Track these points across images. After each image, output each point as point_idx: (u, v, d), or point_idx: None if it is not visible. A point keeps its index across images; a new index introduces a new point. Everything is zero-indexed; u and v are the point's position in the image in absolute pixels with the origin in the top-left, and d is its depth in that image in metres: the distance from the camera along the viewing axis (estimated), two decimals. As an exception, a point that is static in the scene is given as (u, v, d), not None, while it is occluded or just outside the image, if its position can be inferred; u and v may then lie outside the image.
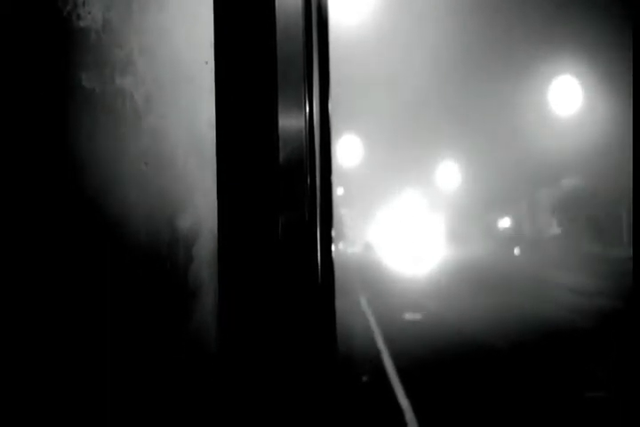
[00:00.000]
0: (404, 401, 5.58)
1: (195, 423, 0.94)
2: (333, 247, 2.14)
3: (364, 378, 6.50)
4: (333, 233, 2.06)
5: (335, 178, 2.42)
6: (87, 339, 0.68)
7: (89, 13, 0.75)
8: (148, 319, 0.81)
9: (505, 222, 51.68)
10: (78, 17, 0.73)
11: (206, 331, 1.00)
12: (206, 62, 0.99)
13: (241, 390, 1.08)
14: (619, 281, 14.57)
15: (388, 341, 8.67)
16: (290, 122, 1.23)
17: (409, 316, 11.38)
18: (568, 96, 35.45)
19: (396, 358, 7.39)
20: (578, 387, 5.86)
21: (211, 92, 1.01)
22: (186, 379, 0.91)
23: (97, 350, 0.70)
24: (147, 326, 0.81)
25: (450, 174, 62.53)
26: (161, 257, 0.85)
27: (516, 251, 40.93)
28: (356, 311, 12.20)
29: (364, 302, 13.89)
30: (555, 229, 39.26)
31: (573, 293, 14.23)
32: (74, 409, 0.66)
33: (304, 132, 1.49)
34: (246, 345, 1.09)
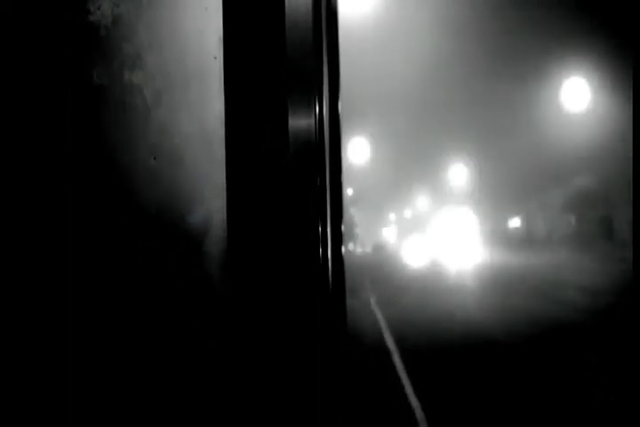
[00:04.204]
0: (414, 401, 5.57)
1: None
2: (343, 248, 2.13)
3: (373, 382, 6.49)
4: (343, 231, 2.05)
5: (345, 178, 2.41)
6: (83, 340, 0.69)
7: (98, 9, 0.75)
8: (156, 315, 0.81)
9: (515, 222, 51.32)
10: (88, 12, 0.73)
11: (216, 327, 1.00)
12: (215, 57, 0.99)
13: (246, 388, 1.08)
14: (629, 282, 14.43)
15: (399, 343, 8.65)
16: (299, 118, 1.23)
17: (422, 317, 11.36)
18: (579, 96, 35.27)
19: (406, 361, 7.37)
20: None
21: (220, 87, 1.01)
22: (189, 376, 0.91)
23: (93, 352, 0.70)
24: (155, 324, 0.81)
25: (460, 174, 62.24)
26: (170, 251, 0.85)
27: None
28: (366, 311, 12.21)
29: (373, 302, 13.89)
30: (565, 230, 38.99)
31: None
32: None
33: (313, 130, 1.49)
34: (255, 342, 1.09)
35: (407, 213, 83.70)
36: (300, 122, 1.25)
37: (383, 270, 27.03)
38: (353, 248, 55.25)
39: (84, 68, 0.71)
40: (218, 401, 1.00)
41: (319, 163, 1.54)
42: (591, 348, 7.76)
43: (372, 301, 13.89)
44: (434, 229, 68.53)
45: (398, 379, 6.50)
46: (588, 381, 6.11)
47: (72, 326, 0.65)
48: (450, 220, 63.89)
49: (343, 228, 2.00)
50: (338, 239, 1.90)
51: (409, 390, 6.02)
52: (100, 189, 0.71)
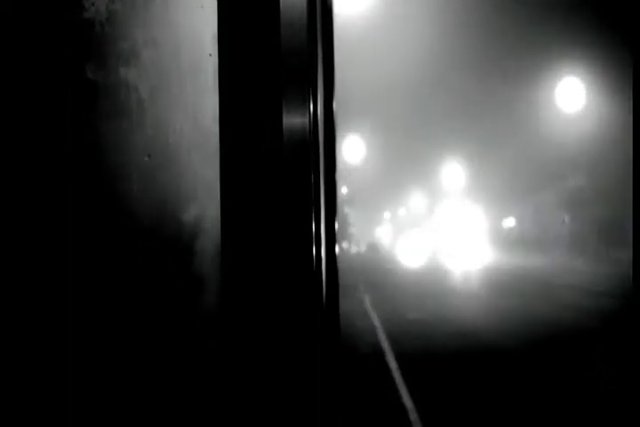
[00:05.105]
0: (407, 401, 5.58)
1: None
2: (337, 247, 2.13)
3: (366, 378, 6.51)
4: (337, 229, 2.05)
5: (339, 177, 2.41)
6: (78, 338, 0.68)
7: (93, 5, 0.74)
8: (158, 316, 0.81)
9: (509, 222, 51.32)
10: (82, 8, 0.73)
11: (216, 327, 1.00)
12: (210, 54, 0.99)
13: (246, 388, 1.08)
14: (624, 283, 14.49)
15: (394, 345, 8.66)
16: (294, 116, 1.22)
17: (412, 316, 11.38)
18: (574, 97, 35.31)
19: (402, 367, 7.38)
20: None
21: (214, 84, 1.01)
22: (190, 375, 0.91)
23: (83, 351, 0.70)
24: (156, 324, 0.81)
25: (455, 173, 62.25)
26: (164, 251, 0.84)
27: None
28: (360, 311, 12.23)
29: (367, 302, 13.90)
30: (559, 230, 39.05)
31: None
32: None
33: (308, 128, 1.49)
34: (251, 341, 1.09)
35: (402, 211, 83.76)
36: (294, 120, 1.25)
37: (378, 272, 27.03)
38: (347, 247, 55.19)
39: (78, 65, 0.70)
40: (218, 401, 1.00)
41: (313, 161, 1.54)
42: (590, 348, 7.79)
43: (367, 304, 13.88)
44: (429, 227, 68.37)
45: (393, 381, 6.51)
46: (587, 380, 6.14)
47: (72, 325, 0.65)
48: (447, 219, 63.60)
49: (337, 227, 2.00)
50: (332, 238, 1.90)
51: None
52: (99, 189, 0.70)
